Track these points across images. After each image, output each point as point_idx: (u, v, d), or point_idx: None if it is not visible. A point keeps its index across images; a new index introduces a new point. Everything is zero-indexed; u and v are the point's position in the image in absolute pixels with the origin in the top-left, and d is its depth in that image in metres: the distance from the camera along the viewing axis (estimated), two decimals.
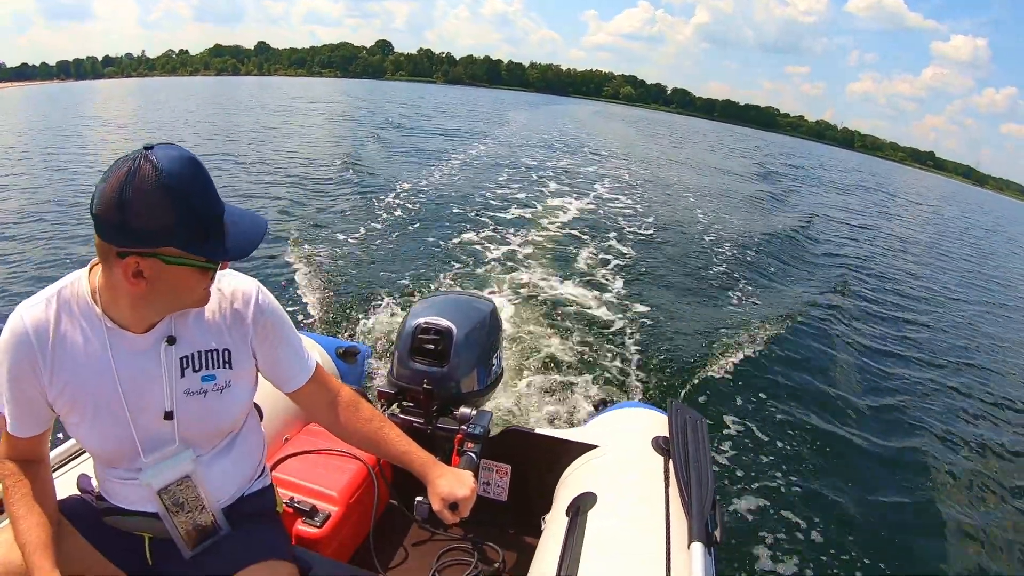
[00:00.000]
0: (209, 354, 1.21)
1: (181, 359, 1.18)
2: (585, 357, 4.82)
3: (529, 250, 7.78)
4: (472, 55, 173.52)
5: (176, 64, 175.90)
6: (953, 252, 15.54)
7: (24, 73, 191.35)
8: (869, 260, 10.96)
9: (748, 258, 8.70)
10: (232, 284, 1.25)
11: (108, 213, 0.98)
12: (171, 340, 1.17)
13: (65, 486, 1.35)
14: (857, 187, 28.81)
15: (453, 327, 2.10)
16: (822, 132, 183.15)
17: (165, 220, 0.99)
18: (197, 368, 1.20)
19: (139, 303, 1.10)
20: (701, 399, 4.40)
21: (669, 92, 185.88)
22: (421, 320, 2.13)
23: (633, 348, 5.12)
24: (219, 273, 1.18)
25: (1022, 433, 5.15)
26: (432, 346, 2.09)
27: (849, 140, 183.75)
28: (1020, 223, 40.47)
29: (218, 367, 1.22)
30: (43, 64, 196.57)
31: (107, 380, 1.13)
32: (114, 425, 1.16)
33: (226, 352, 1.23)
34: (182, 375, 1.19)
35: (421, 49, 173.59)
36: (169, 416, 1.18)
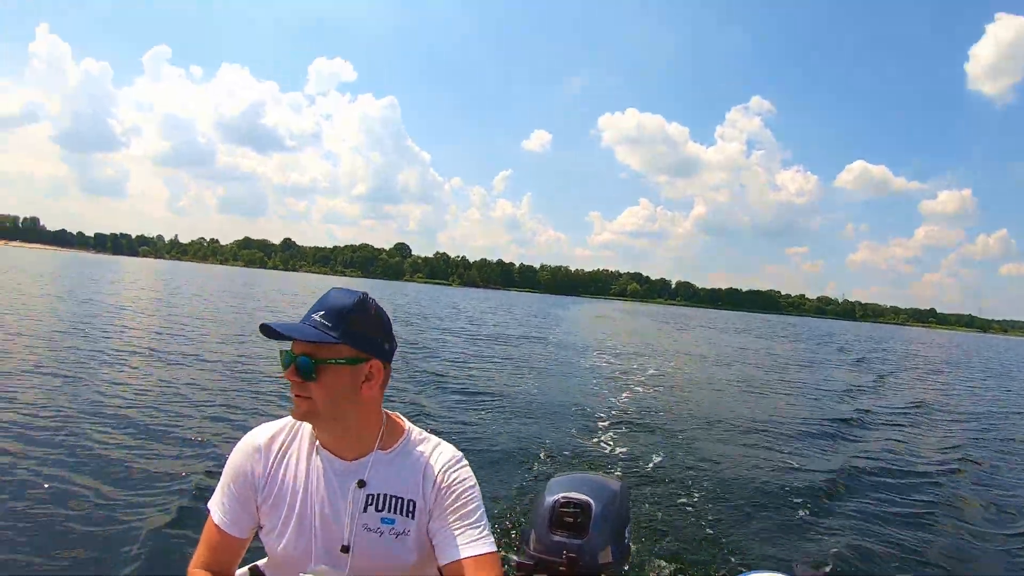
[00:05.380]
0: (396, 500, 1.30)
1: (367, 496, 1.29)
2: (708, 527, 4.87)
3: (634, 437, 7.86)
4: (486, 258, 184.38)
5: (207, 251, 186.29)
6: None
7: (62, 238, 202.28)
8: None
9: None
10: (437, 445, 1.37)
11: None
12: (361, 483, 1.29)
13: None
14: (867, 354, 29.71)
15: (592, 501, 2.18)
16: (823, 308, 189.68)
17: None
18: (380, 508, 1.29)
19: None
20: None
21: (674, 286, 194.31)
22: (560, 495, 2.20)
23: (750, 518, 5.21)
24: (426, 435, 1.39)
25: None
26: (572, 519, 2.15)
27: (851, 311, 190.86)
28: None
29: (399, 513, 1.29)
30: (80, 233, 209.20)
31: (304, 494, 1.30)
32: (298, 536, 1.30)
33: (411, 503, 1.30)
34: (364, 510, 1.29)
35: (438, 253, 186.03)
36: (345, 550, 1.28)
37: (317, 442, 1.33)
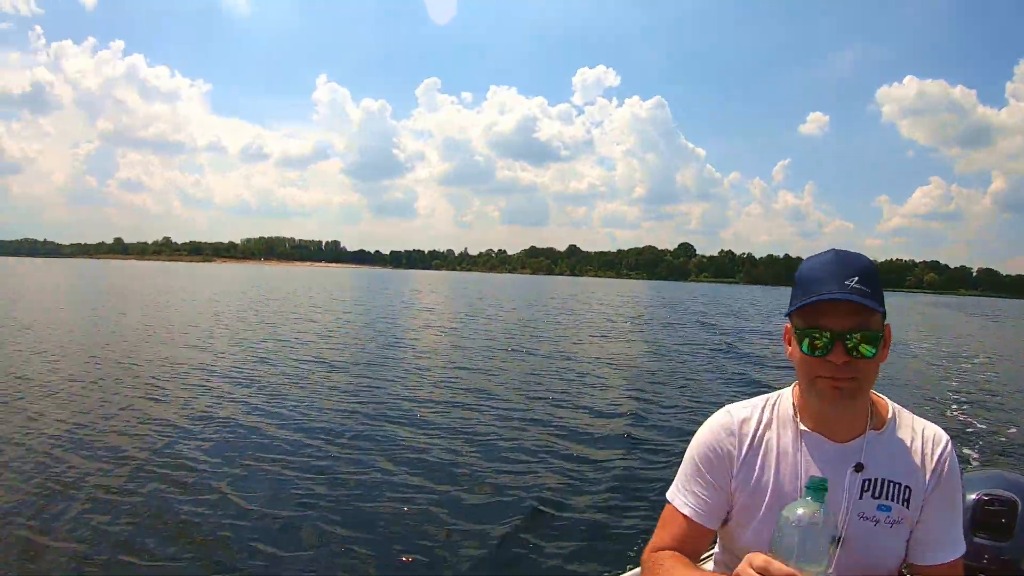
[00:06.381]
0: (892, 485, 1.16)
1: (864, 481, 1.15)
2: None
3: None
4: (772, 254, 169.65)
5: (496, 262, 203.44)
6: None
7: (361, 257, 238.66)
8: None
9: None
10: (925, 427, 1.22)
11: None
12: (859, 467, 1.15)
13: None
14: None
15: (1019, 501, 1.92)
16: None
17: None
18: (877, 495, 1.15)
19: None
20: None
21: (975, 273, 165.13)
22: (981, 492, 1.96)
23: None
24: (911, 415, 1.23)
25: None
26: (997, 519, 1.91)
27: None
28: None
29: (896, 501, 1.15)
30: (377, 252, 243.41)
31: (792, 480, 1.15)
32: None
33: (907, 490, 1.16)
34: (860, 496, 1.14)
35: (722, 251, 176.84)
36: (834, 540, 1.11)
37: (800, 424, 1.18)
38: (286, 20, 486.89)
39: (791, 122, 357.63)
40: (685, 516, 1.19)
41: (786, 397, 1.23)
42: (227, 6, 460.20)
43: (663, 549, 1.18)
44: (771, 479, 1.16)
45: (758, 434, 1.20)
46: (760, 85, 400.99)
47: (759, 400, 1.25)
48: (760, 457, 1.18)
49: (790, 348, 1.16)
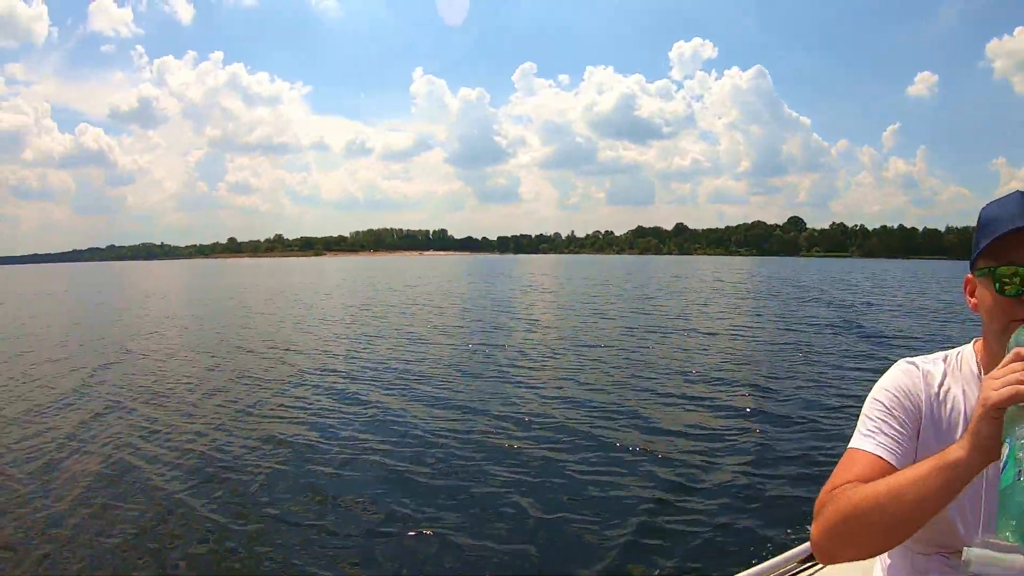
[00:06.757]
0: None
1: None
2: None
3: None
4: (885, 225, 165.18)
5: (603, 243, 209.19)
6: None
7: (469, 244, 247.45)
8: None
9: None
10: None
11: None
12: None
13: None
14: None
15: None
16: None
17: None
18: None
19: None
20: None
21: None
22: None
23: None
24: None
25: None
26: None
27: None
28: None
29: None
30: (484, 238, 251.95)
31: None
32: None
33: None
34: None
35: (834, 223, 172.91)
36: None
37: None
38: (377, 17, 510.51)
39: (898, 84, 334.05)
40: (877, 457, 1.04)
41: (967, 353, 1.16)
42: (318, 9, 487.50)
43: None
44: (956, 439, 0.94)
45: (942, 389, 1.12)
46: (862, 46, 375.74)
47: (939, 355, 1.17)
48: (945, 414, 1.10)
49: (973, 299, 1.07)
